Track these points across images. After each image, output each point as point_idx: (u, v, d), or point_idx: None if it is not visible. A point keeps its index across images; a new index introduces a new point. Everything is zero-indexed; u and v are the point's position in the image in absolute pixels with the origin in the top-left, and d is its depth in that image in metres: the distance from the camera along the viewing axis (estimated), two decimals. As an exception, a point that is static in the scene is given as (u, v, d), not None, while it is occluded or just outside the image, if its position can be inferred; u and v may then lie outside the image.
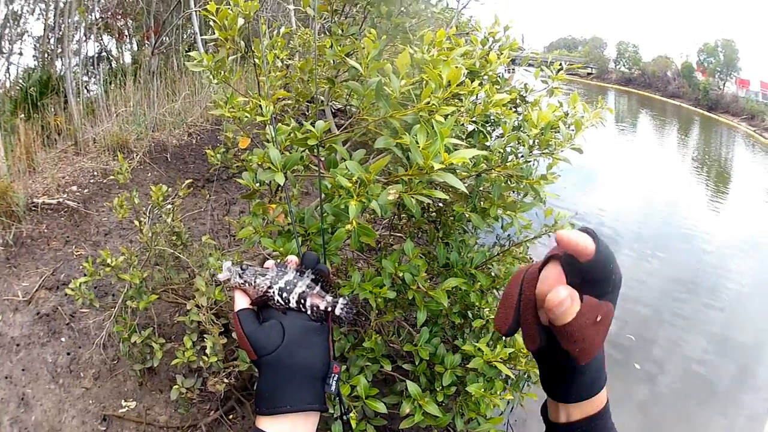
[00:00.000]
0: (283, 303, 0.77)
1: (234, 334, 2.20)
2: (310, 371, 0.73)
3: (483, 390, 2.00)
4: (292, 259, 0.82)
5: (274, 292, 0.77)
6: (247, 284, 0.78)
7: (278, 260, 0.83)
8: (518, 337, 2.06)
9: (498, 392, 2.02)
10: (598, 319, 0.57)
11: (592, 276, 0.56)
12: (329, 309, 0.78)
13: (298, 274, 0.79)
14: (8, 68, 7.09)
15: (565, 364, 0.61)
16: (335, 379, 0.76)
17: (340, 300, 0.79)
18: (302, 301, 0.77)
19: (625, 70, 35.33)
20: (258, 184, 1.72)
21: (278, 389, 0.71)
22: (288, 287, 0.77)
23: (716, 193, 10.33)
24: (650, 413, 3.86)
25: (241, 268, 0.79)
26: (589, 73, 34.63)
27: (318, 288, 0.79)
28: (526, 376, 2.32)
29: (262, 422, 0.70)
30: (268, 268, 0.80)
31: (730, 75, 27.83)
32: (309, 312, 0.78)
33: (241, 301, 0.78)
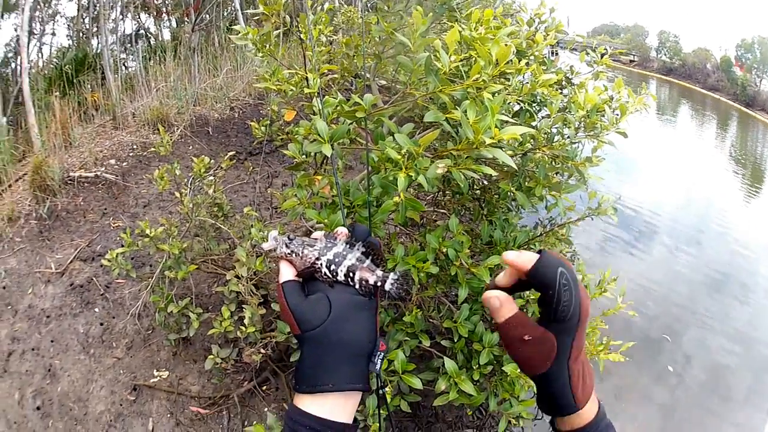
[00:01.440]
0: (330, 276, 0.76)
1: (274, 306, 2.28)
2: (356, 349, 0.72)
3: (518, 371, 2.05)
4: (342, 231, 0.81)
5: (321, 264, 0.76)
6: (293, 254, 0.76)
7: (326, 232, 0.81)
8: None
9: (531, 376, 2.06)
10: (526, 338, 0.68)
11: (542, 295, 0.67)
12: (379, 284, 0.77)
13: (348, 246, 0.77)
14: (41, 48, 7.35)
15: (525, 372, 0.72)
16: (381, 357, 0.74)
17: (391, 275, 0.77)
18: (351, 274, 0.76)
19: (666, 60, 35.25)
20: (304, 156, 1.78)
21: (321, 367, 0.70)
22: (337, 259, 0.76)
23: (751, 191, 10.19)
24: (674, 408, 3.90)
25: (288, 238, 0.77)
26: (631, 61, 34.58)
27: (368, 261, 0.77)
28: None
29: (301, 400, 0.70)
30: (316, 239, 0.79)
31: (766, 72, 27.62)
32: (357, 286, 0.76)
33: (287, 272, 0.76)
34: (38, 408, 2.81)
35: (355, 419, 0.73)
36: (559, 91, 2.51)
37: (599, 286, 2.28)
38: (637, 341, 4.34)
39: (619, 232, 6.54)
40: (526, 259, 0.67)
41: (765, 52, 28.34)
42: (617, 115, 1.99)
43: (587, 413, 0.71)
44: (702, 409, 3.94)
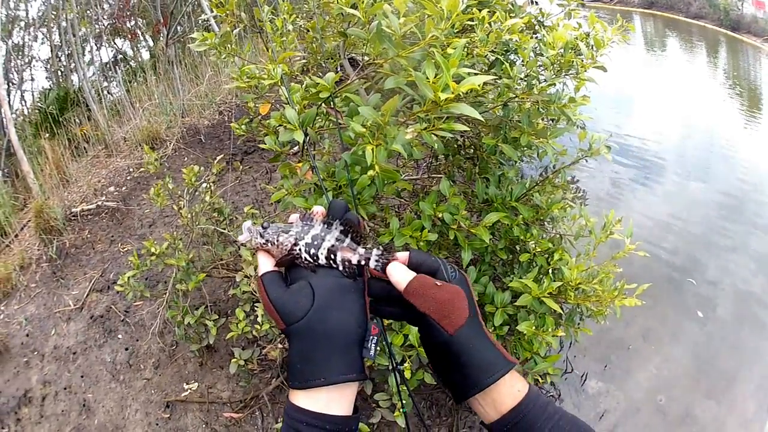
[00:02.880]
0: (311, 260, 0.74)
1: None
2: (345, 337, 0.69)
3: (534, 328, 2.10)
4: (319, 210, 0.78)
5: (300, 250, 0.74)
6: (269, 243, 0.75)
7: (302, 213, 0.79)
8: (565, 269, 2.14)
9: (549, 329, 2.10)
10: (438, 283, 0.71)
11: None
12: (362, 262, 0.74)
13: (326, 226, 0.75)
14: (23, 95, 7.59)
15: (438, 338, 0.71)
16: (374, 342, 0.72)
17: (374, 251, 0.75)
18: (332, 256, 0.74)
19: None
20: (281, 146, 1.86)
21: (310, 360, 0.67)
22: (315, 242, 0.74)
23: (750, 115, 10.12)
24: (705, 343, 3.92)
25: (263, 227, 0.76)
26: None
27: (348, 240, 0.75)
28: (578, 310, 2.39)
29: (296, 396, 0.67)
30: (291, 223, 0.77)
31: None
32: (341, 268, 0.74)
33: (265, 263, 0.74)
34: None
35: (356, 408, 0.72)
36: (533, 35, 2.53)
37: (605, 229, 2.26)
38: (661, 278, 4.40)
39: (628, 170, 6.52)
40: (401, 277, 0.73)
41: (744, -26, 28.04)
42: (595, 50, 2.00)
43: (516, 392, 0.70)
44: (733, 342, 3.95)
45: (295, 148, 1.96)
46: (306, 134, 1.70)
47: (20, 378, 3.40)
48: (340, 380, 0.67)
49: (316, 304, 0.68)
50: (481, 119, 1.62)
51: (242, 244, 0.80)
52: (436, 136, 1.58)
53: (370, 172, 1.55)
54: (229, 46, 2.09)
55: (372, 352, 0.71)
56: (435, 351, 0.73)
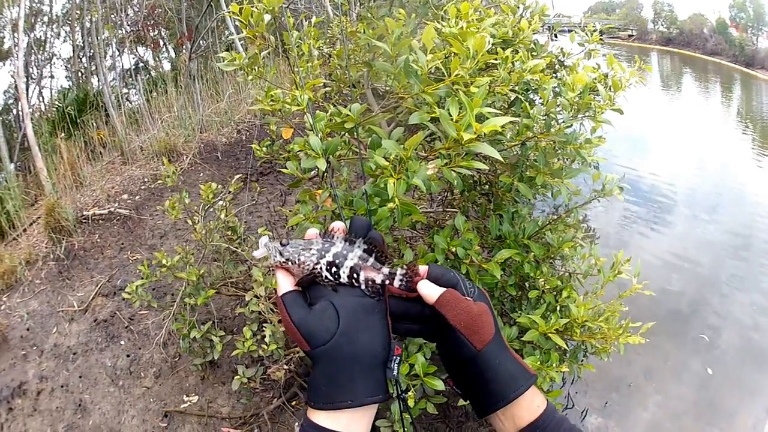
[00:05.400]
0: (332, 279, 0.72)
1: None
2: (371, 359, 0.68)
3: (539, 363, 2.11)
4: (339, 227, 0.76)
5: (321, 268, 0.72)
6: (290, 262, 0.73)
7: (322, 230, 0.77)
8: (573, 306, 2.16)
9: (554, 364, 2.11)
10: (467, 297, 0.73)
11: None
12: (387, 282, 0.73)
13: (347, 244, 0.73)
14: (41, 91, 7.69)
15: (465, 353, 0.72)
16: (397, 361, 0.71)
17: (398, 271, 0.74)
18: (354, 275, 0.72)
19: (664, 30, 35.47)
20: (303, 172, 1.89)
21: (335, 382, 0.66)
22: (337, 261, 0.72)
23: (762, 153, 10.19)
24: (707, 382, 3.92)
25: (281, 244, 0.73)
26: (630, 35, 34.72)
27: (372, 259, 0.73)
28: (583, 347, 2.41)
29: (317, 416, 0.66)
30: (311, 239, 0.75)
31: (761, 29, 27.89)
32: (363, 287, 0.72)
33: (285, 283, 0.72)
34: None
35: (374, 427, 0.74)
36: (553, 75, 2.58)
37: (613, 268, 2.29)
38: (666, 317, 4.39)
39: (638, 209, 6.60)
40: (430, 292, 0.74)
41: (758, 9, 28.89)
42: (612, 92, 2.04)
43: (535, 407, 0.71)
44: (734, 381, 3.95)
45: (312, 172, 1.99)
46: (328, 162, 1.73)
47: (16, 370, 3.41)
48: (366, 402, 0.67)
49: (342, 327, 0.67)
50: (500, 159, 1.66)
51: (258, 260, 0.81)
52: (456, 172, 1.61)
53: (390, 205, 1.57)
54: (256, 68, 2.13)
55: (395, 372, 0.71)
56: (459, 366, 0.74)
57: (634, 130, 8.84)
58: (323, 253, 0.72)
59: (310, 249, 0.73)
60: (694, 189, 7.66)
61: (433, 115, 1.62)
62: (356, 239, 0.74)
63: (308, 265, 0.72)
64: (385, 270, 0.73)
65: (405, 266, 0.74)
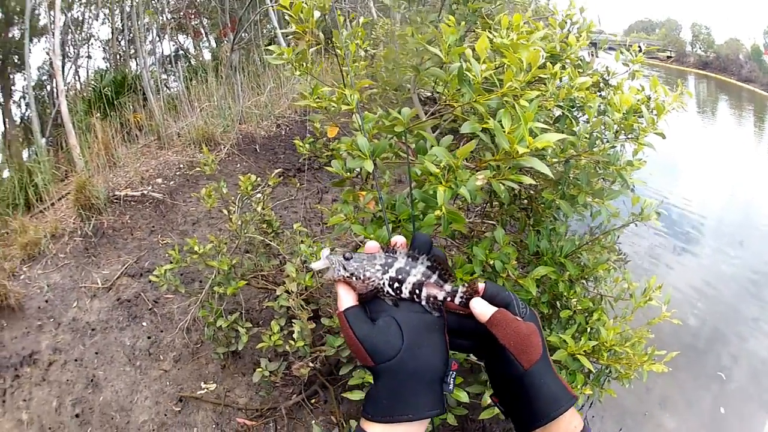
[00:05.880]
0: (393, 294, 0.72)
1: (324, 320, 2.38)
2: (432, 374, 0.69)
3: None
4: (401, 242, 0.76)
5: (384, 283, 0.72)
6: (353, 277, 0.72)
7: (383, 244, 0.77)
8: (603, 329, 2.14)
9: (579, 386, 2.09)
10: (518, 318, 0.74)
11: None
12: (448, 299, 0.73)
13: (410, 260, 0.73)
14: (77, 70, 7.81)
15: (512, 372, 0.72)
16: (453, 376, 0.72)
17: (460, 288, 0.74)
18: (416, 291, 0.72)
19: (702, 54, 35.15)
20: (348, 172, 1.89)
21: (397, 396, 0.67)
22: (400, 276, 0.72)
23: None
24: (720, 416, 3.86)
25: (345, 257, 0.72)
26: (668, 57, 34.43)
27: (435, 276, 0.73)
28: (607, 371, 2.38)
29: (372, 428, 0.67)
30: (374, 254, 0.75)
31: None
32: (424, 303, 0.73)
33: (347, 298, 0.72)
34: (77, 416, 2.98)
35: None
36: (597, 93, 2.56)
37: (644, 294, 2.28)
38: (685, 347, 4.32)
39: (666, 236, 6.50)
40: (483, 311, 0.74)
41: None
42: (655, 115, 2.02)
43: (572, 428, 0.71)
44: (745, 415, 3.89)
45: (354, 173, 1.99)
46: (375, 164, 1.73)
47: (29, 339, 3.44)
48: (426, 416, 0.67)
49: (406, 343, 0.68)
50: (551, 176, 1.64)
51: (317, 272, 0.80)
52: (504, 186, 1.60)
53: (437, 212, 1.56)
54: (304, 64, 2.13)
55: (451, 387, 0.71)
56: (505, 383, 0.75)
57: (668, 155, 8.74)
58: (387, 268, 0.72)
59: (374, 264, 0.73)
60: (721, 221, 7.54)
61: (484, 126, 1.61)
62: (419, 255, 0.74)
63: (373, 281, 0.72)
64: (448, 287, 0.74)
65: (466, 284, 0.75)
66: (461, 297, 0.74)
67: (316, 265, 0.74)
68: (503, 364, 0.73)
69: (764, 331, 4.94)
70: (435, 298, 0.73)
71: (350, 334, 0.69)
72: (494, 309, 0.73)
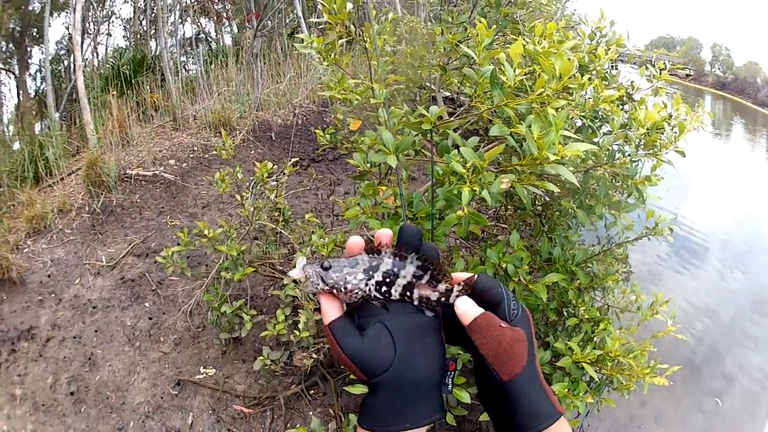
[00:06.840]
0: (382, 297, 0.67)
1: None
2: (429, 381, 0.66)
3: (566, 390, 2.07)
4: (386, 240, 0.68)
5: (369, 289, 0.66)
6: (335, 289, 0.65)
7: (365, 245, 0.69)
8: (608, 339, 2.13)
9: (580, 393, 2.08)
10: (502, 325, 0.66)
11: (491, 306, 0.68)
12: (443, 299, 0.68)
13: (397, 259, 0.67)
14: (96, 47, 7.79)
15: (490, 381, 0.66)
16: (451, 377, 0.68)
17: (455, 288, 0.68)
18: (408, 293, 0.67)
19: (720, 74, 35.04)
20: (368, 166, 1.87)
21: (396, 408, 0.64)
22: (388, 279, 0.66)
23: None
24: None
25: (323, 267, 0.65)
26: (687, 75, 34.43)
27: (428, 277, 0.67)
28: (608, 381, 2.37)
29: None
30: (355, 257, 0.67)
31: None
32: (417, 303, 0.67)
33: (331, 310, 0.66)
34: (72, 393, 2.96)
35: None
36: (620, 107, 2.54)
37: (651, 307, 2.29)
38: (684, 362, 4.30)
39: (671, 251, 6.50)
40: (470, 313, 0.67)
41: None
42: (676, 132, 2.02)
43: None
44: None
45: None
46: (398, 160, 1.71)
47: (28, 314, 3.41)
48: (424, 424, 0.64)
49: (399, 353, 0.63)
50: (577, 185, 1.62)
51: (294, 280, 0.74)
52: (527, 190, 1.58)
53: (459, 212, 1.54)
54: (332, 54, 2.11)
55: (449, 387, 0.67)
56: (487, 391, 0.69)
57: (680, 173, 8.78)
58: (371, 273, 0.66)
59: (356, 271, 0.66)
60: (728, 241, 7.55)
61: (513, 130, 1.59)
62: (407, 254, 0.67)
63: (356, 292, 0.65)
64: (442, 287, 0.68)
65: (462, 282, 0.68)
66: (456, 295, 0.68)
67: (292, 273, 0.67)
68: (485, 371, 0.67)
69: (760, 351, 4.94)
70: (428, 299, 0.67)
71: (338, 350, 0.63)
72: (479, 312, 0.67)
